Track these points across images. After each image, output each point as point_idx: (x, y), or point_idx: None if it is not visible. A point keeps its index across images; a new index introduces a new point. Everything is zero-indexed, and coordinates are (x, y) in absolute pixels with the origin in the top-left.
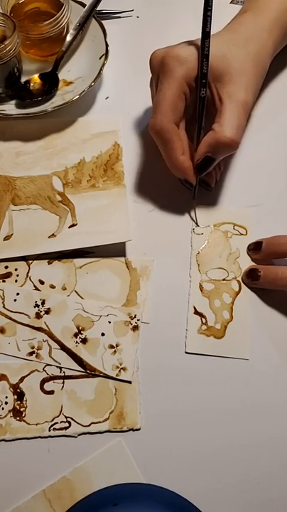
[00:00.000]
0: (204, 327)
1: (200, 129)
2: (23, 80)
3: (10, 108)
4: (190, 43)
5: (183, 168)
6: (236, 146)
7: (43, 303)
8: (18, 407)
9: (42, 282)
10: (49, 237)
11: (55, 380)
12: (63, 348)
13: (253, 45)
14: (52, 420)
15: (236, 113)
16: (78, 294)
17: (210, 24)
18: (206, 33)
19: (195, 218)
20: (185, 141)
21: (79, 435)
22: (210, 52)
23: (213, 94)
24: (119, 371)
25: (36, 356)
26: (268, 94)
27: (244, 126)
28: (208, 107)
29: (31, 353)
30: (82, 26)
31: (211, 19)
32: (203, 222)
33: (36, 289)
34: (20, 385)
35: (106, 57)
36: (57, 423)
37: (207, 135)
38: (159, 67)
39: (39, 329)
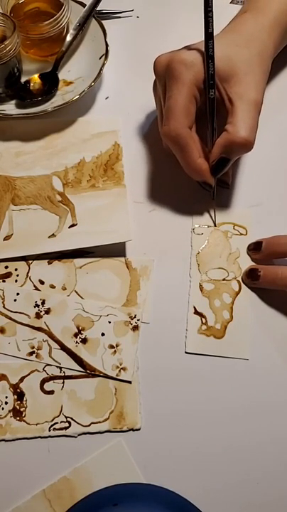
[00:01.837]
0: (204, 327)
1: (213, 131)
2: (23, 80)
3: (10, 108)
4: (193, 46)
5: (201, 171)
6: (250, 145)
7: (43, 303)
8: (18, 407)
9: (42, 282)
10: (49, 237)
11: (55, 380)
12: (63, 348)
13: (255, 45)
14: (52, 420)
15: (248, 112)
16: (78, 294)
17: (212, 25)
18: (209, 34)
19: (213, 218)
20: (199, 144)
21: (79, 435)
22: (216, 55)
23: (222, 95)
24: (119, 371)
25: (36, 356)
26: (269, 94)
27: (256, 125)
28: (218, 108)
29: (31, 353)
30: (82, 26)
31: (213, 20)
32: (203, 222)
33: (36, 289)
34: (20, 385)
35: (106, 57)
36: (57, 423)
37: (221, 136)
38: (165, 73)
39: (39, 329)
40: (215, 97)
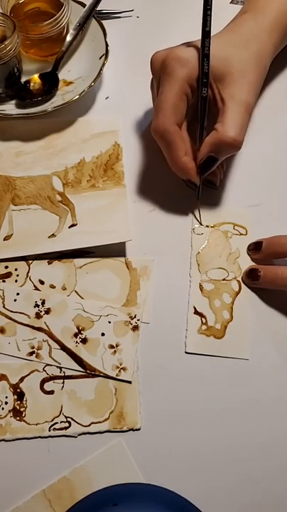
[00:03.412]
0: (204, 327)
1: (202, 129)
2: (23, 80)
3: (10, 108)
4: (190, 44)
5: (186, 169)
6: (239, 145)
7: (43, 303)
8: (18, 407)
9: (42, 282)
10: (49, 237)
11: (55, 380)
12: (63, 348)
13: (253, 45)
14: (52, 420)
15: (238, 113)
16: (78, 294)
17: (210, 23)
18: (206, 33)
19: (198, 218)
20: (188, 143)
21: (79, 435)
22: (211, 54)
23: (215, 94)
24: (119, 371)
25: (36, 356)
26: (268, 94)
27: (246, 126)
28: (210, 108)
29: (31, 353)
30: (82, 26)
31: (211, 18)
32: (203, 222)
33: (36, 289)
34: (20, 385)
35: (106, 57)
36: (57, 423)
37: (210, 135)
38: (160, 69)
39: (39, 329)
40: (208, 95)
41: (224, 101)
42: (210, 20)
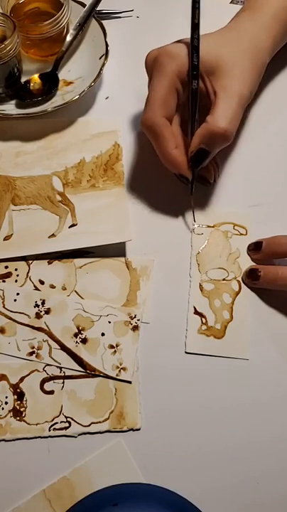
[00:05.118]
0: (204, 327)
1: (194, 122)
2: (23, 80)
3: (10, 108)
4: (183, 40)
5: (176, 163)
6: (230, 136)
7: (43, 303)
8: (18, 407)
9: (42, 282)
10: (49, 237)
11: (55, 380)
12: (63, 348)
13: (248, 40)
14: (52, 420)
15: (229, 104)
16: (78, 294)
17: (199, 16)
18: (195, 25)
19: (192, 214)
20: (180, 137)
21: (79, 435)
22: (205, 48)
23: (207, 87)
24: (119, 371)
25: (36, 356)
26: (268, 94)
27: (238, 118)
28: (204, 101)
29: (31, 353)
30: (82, 26)
31: (199, 11)
32: (203, 221)
33: (36, 289)
34: (20, 385)
35: (106, 57)
36: (57, 423)
37: (201, 127)
38: (152, 66)
39: (39, 329)
40: (198, 88)
41: (216, 93)
42: (199, 13)
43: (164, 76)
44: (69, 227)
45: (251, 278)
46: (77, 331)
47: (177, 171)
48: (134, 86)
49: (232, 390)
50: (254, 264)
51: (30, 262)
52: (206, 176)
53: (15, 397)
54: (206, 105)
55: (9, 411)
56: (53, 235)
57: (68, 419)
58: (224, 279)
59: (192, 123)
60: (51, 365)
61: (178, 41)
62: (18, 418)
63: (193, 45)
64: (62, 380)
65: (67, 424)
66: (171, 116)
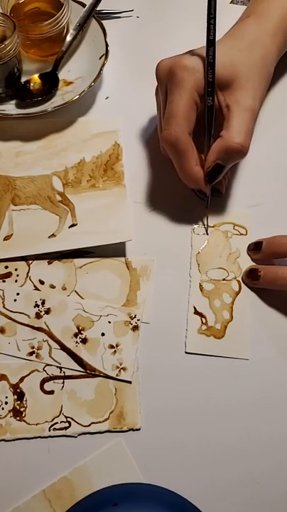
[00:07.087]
0: (204, 327)
1: (210, 138)
2: (23, 80)
3: (10, 108)
4: (195, 51)
5: (197, 179)
6: (245, 151)
7: (43, 303)
8: (18, 407)
9: (42, 282)
10: (49, 237)
11: (55, 380)
12: (63, 348)
13: (257, 50)
14: (52, 420)
15: (244, 118)
16: (78, 294)
17: (214, 32)
18: (210, 42)
19: (206, 226)
20: (196, 152)
21: (79, 435)
22: (217, 60)
23: (220, 102)
24: (119, 371)
25: (36, 356)
26: (269, 96)
27: (252, 131)
28: (216, 116)
29: (31, 353)
30: (82, 26)
31: (215, 27)
32: (203, 222)
33: (36, 289)
34: (20, 385)
35: (106, 57)
36: (57, 423)
37: (216, 142)
38: (167, 78)
39: (39, 329)
40: (214, 104)
41: (229, 107)
42: (214, 29)
43: (184, 90)
44: (69, 227)
45: (251, 278)
46: (77, 331)
47: (197, 186)
48: (134, 86)
49: (232, 390)
50: (254, 264)
51: (30, 262)
52: (218, 187)
53: (15, 397)
54: (217, 118)
55: (9, 411)
56: (53, 235)
57: (68, 419)
58: (224, 279)
59: (208, 139)
60: (51, 365)
61: (190, 53)
62: (18, 418)
63: (209, 61)
64: (62, 380)
65: (67, 424)
66: (191, 131)
